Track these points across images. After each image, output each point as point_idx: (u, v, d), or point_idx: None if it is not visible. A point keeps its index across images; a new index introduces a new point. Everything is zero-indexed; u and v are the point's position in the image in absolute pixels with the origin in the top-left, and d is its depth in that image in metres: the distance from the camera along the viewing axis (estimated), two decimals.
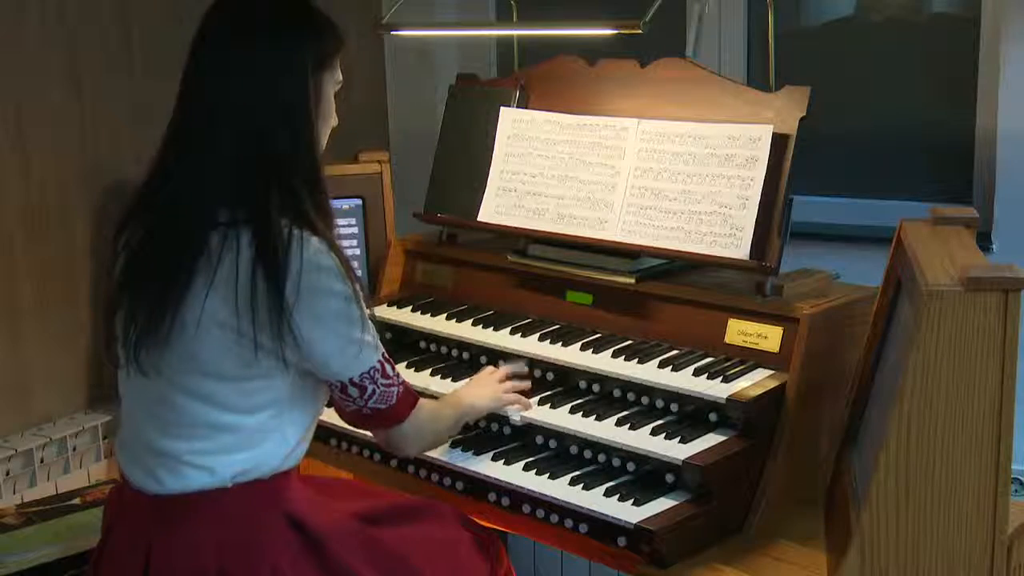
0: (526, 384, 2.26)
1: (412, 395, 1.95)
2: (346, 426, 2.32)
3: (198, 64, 1.83)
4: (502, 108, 2.59)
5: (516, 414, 2.19)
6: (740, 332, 2.19)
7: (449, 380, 2.36)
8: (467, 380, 2.28)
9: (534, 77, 2.62)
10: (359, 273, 2.78)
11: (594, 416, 2.14)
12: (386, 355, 1.88)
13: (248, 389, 1.79)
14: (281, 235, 1.74)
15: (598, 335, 2.34)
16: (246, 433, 1.80)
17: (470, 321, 2.50)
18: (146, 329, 1.76)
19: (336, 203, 2.78)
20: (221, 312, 1.74)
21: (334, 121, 1.95)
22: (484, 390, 2.20)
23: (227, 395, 1.78)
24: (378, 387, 1.86)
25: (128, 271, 1.82)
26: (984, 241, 2.65)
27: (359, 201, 2.82)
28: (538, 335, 2.38)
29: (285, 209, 1.77)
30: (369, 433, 2.02)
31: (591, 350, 2.28)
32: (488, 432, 2.27)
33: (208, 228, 1.75)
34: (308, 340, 1.76)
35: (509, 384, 2.23)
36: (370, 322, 1.84)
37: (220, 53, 1.81)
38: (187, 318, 1.75)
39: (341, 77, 1.94)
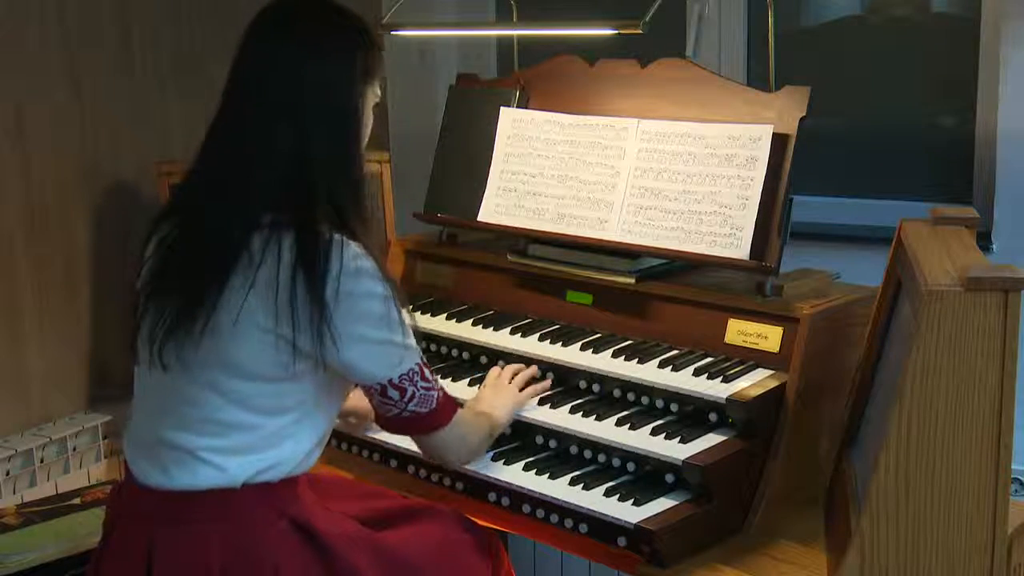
0: (544, 384, 2.27)
1: (453, 401, 1.94)
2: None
3: (253, 62, 1.82)
4: (502, 108, 2.59)
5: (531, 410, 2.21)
6: (740, 332, 2.19)
7: (449, 380, 2.35)
8: (467, 380, 2.29)
9: (534, 77, 2.62)
10: None
11: (594, 416, 2.14)
12: (424, 359, 1.88)
13: (278, 391, 1.79)
14: (323, 239, 1.74)
15: (598, 335, 2.34)
16: (264, 435, 1.80)
17: (470, 321, 2.50)
18: (177, 324, 1.75)
19: None
20: (259, 314, 1.73)
21: (368, 135, 1.94)
22: (504, 399, 2.18)
23: (255, 396, 1.78)
24: (418, 389, 1.85)
25: (162, 266, 1.81)
26: (984, 241, 2.65)
27: None
28: (538, 335, 2.38)
29: (328, 214, 1.77)
30: (407, 439, 2.01)
31: (591, 350, 2.28)
32: None
33: (251, 229, 1.75)
34: (348, 342, 1.75)
35: (520, 379, 2.24)
36: (408, 325, 1.84)
37: (278, 53, 1.80)
38: (223, 317, 1.74)
39: (379, 93, 1.95)
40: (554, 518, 2.00)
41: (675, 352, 2.23)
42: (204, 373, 1.77)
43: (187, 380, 1.79)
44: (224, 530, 1.78)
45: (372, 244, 1.82)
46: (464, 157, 2.65)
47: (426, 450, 1.99)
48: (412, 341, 1.85)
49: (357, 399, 2.12)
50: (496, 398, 2.18)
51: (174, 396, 1.81)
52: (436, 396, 1.88)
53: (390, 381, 1.83)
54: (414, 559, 1.93)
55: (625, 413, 2.14)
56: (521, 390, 2.22)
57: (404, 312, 1.83)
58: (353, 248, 1.76)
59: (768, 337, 2.14)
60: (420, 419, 1.89)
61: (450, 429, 1.93)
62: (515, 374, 2.26)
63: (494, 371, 2.29)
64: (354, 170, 1.84)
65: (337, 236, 1.75)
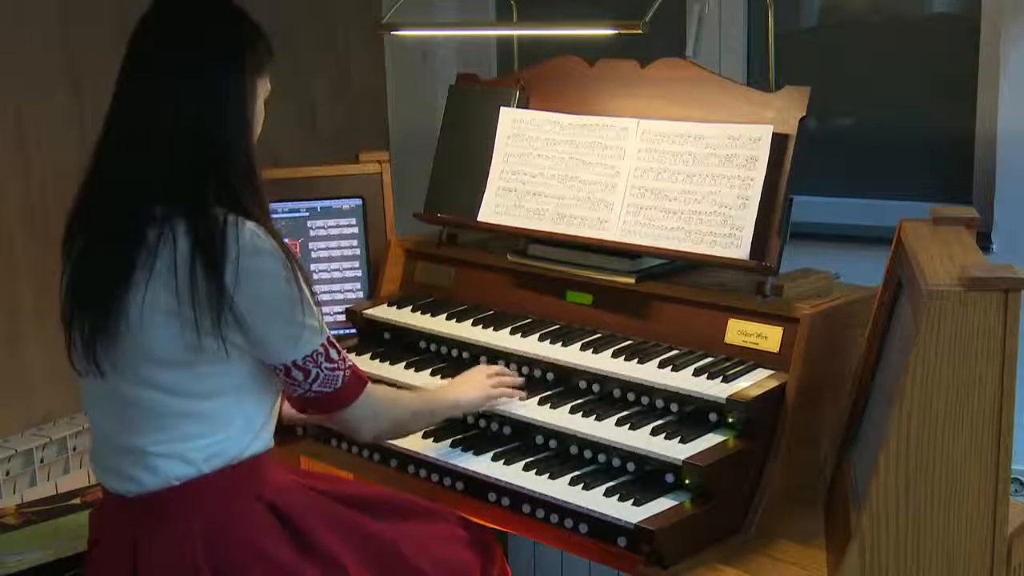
0: (518, 379, 2.27)
1: (361, 379, 1.95)
2: None
3: (135, 65, 1.85)
4: (502, 108, 2.59)
5: (515, 406, 2.22)
6: (740, 332, 2.19)
7: (449, 380, 2.35)
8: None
9: (534, 77, 2.62)
10: (358, 272, 2.80)
11: (594, 416, 2.14)
12: (331, 339, 1.89)
13: (201, 374, 1.80)
14: (216, 222, 1.76)
15: (598, 335, 2.34)
16: (207, 418, 1.82)
17: (470, 321, 2.50)
18: (95, 328, 1.79)
19: (336, 203, 2.81)
20: (162, 300, 1.76)
21: (259, 128, 1.96)
22: (472, 386, 2.21)
23: (182, 382, 1.80)
24: (322, 370, 1.87)
25: (74, 276, 1.84)
26: (984, 241, 2.65)
27: (359, 201, 2.82)
28: (538, 335, 2.38)
29: (221, 200, 1.80)
30: (319, 417, 2.03)
31: (591, 350, 2.28)
32: (488, 432, 2.27)
33: (143, 224, 1.78)
34: (250, 323, 1.78)
35: (497, 380, 2.25)
36: (313, 305, 1.86)
37: (157, 54, 1.83)
38: (131, 311, 1.77)
39: (270, 87, 1.96)
40: (554, 518, 2.00)
41: (675, 352, 2.23)
42: (132, 371, 1.80)
43: (121, 381, 1.81)
44: (203, 522, 1.80)
45: (270, 224, 1.84)
46: (464, 157, 2.65)
47: (336, 425, 2.03)
48: (316, 322, 1.86)
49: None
50: (460, 383, 2.22)
51: (115, 400, 1.84)
52: (342, 376, 1.90)
53: (293, 362, 1.84)
54: (401, 547, 1.94)
55: (625, 413, 2.14)
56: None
57: (308, 292, 1.84)
58: (249, 228, 1.78)
59: (768, 337, 2.14)
60: (324, 398, 1.90)
61: (357, 407, 1.94)
62: (498, 373, 2.27)
63: (480, 366, 2.31)
64: (246, 161, 1.85)
65: (232, 217, 1.77)
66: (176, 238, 1.76)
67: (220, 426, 1.83)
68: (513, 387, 2.25)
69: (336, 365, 1.89)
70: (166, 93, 1.80)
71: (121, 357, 1.80)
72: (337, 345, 1.90)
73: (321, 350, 1.86)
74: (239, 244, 1.75)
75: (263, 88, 1.94)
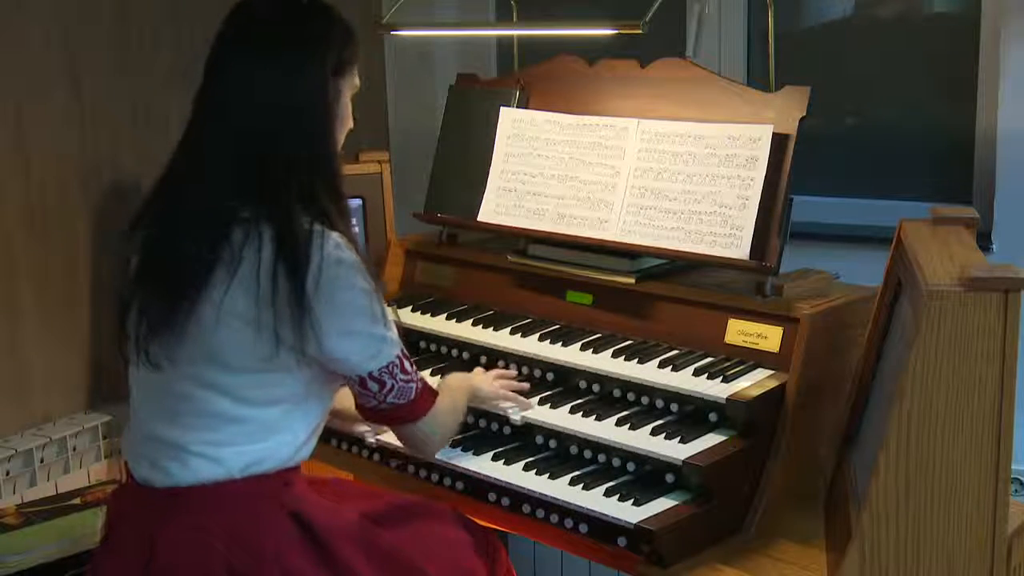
0: (524, 385, 2.27)
1: (432, 392, 1.96)
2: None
3: (219, 63, 1.84)
4: (502, 108, 2.59)
5: (516, 414, 2.19)
6: (740, 332, 2.19)
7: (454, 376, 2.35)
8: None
9: (534, 77, 2.62)
10: None
11: (594, 416, 2.14)
12: (404, 351, 1.89)
13: (265, 382, 1.80)
14: (302, 230, 1.76)
15: (598, 335, 2.34)
16: (256, 426, 1.81)
17: (470, 321, 2.50)
18: (159, 321, 1.77)
19: None
20: (241, 305, 1.75)
21: (350, 124, 1.97)
22: (484, 379, 2.22)
23: (243, 387, 1.79)
24: (397, 382, 1.87)
25: (144, 266, 1.83)
26: (984, 241, 2.64)
27: (359, 201, 2.82)
28: (538, 335, 2.38)
29: (306, 207, 1.79)
30: (388, 430, 2.03)
31: (591, 350, 2.28)
32: (488, 432, 2.27)
33: (229, 222, 1.77)
34: (329, 333, 1.76)
35: (505, 383, 2.25)
36: (389, 318, 1.86)
37: (242, 53, 1.83)
38: (205, 310, 1.76)
39: (358, 82, 1.96)
40: (554, 518, 2.00)
41: (675, 352, 2.23)
42: (191, 368, 1.79)
43: (176, 376, 1.80)
44: (225, 521, 1.79)
45: (353, 235, 1.84)
46: (464, 157, 2.65)
47: (404, 440, 2.01)
48: (393, 334, 1.86)
49: (341, 399, 2.12)
50: (467, 379, 2.21)
51: (164, 393, 1.83)
52: (415, 388, 1.90)
53: (369, 374, 1.84)
54: (413, 556, 1.93)
55: (625, 413, 2.14)
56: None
57: (385, 305, 1.85)
58: (333, 239, 1.78)
59: (768, 337, 2.14)
60: (398, 410, 1.90)
61: (428, 420, 1.94)
62: (500, 376, 2.29)
63: (478, 370, 2.31)
64: (326, 164, 1.85)
65: (318, 227, 1.77)
66: (262, 244, 1.75)
67: (264, 435, 1.82)
68: (519, 392, 2.25)
69: (410, 377, 1.89)
70: (244, 92, 1.80)
71: (182, 353, 1.78)
72: (409, 357, 1.90)
73: (396, 361, 1.86)
74: (323, 252, 1.75)
75: (349, 86, 1.93)
